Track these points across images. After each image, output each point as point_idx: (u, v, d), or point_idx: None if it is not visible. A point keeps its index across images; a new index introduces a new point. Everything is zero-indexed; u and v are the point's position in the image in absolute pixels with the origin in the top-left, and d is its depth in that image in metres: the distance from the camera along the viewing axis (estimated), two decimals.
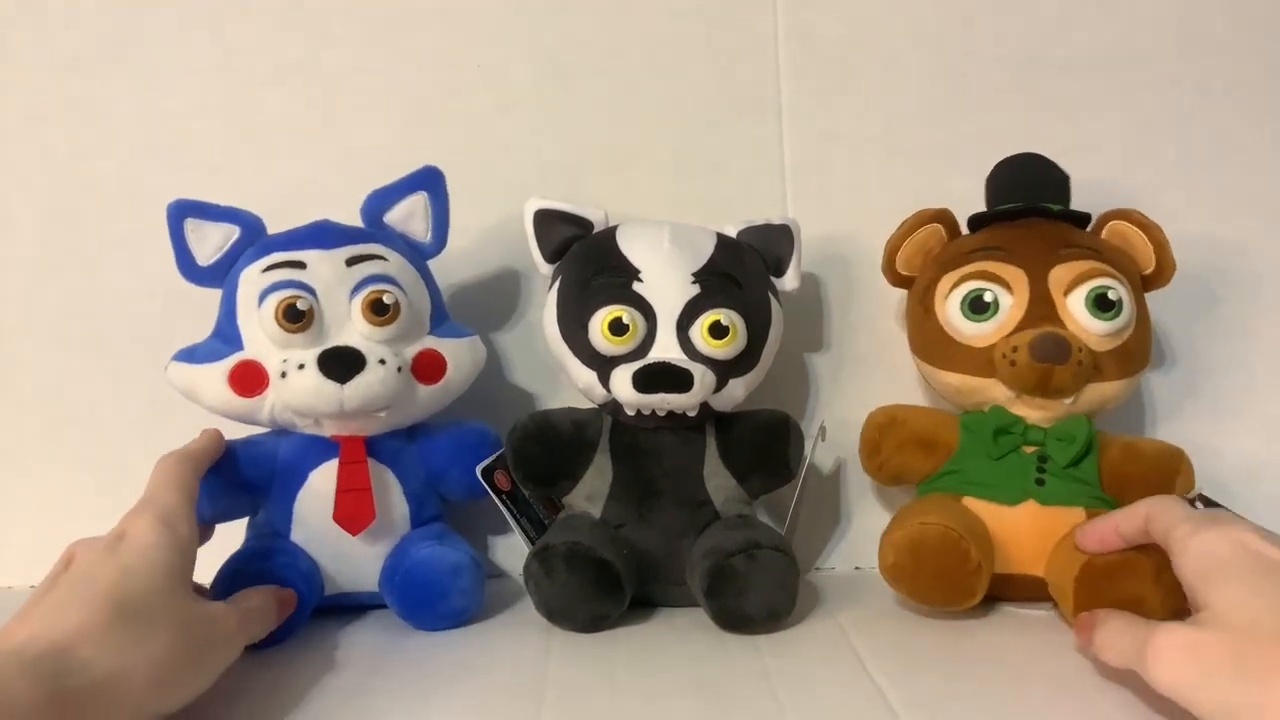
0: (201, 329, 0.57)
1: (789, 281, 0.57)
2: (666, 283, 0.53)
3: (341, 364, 0.52)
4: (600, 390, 0.53)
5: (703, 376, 0.51)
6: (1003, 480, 0.55)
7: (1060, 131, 0.67)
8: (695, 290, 0.53)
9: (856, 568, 0.66)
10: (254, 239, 0.56)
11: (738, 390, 0.54)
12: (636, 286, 0.53)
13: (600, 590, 0.51)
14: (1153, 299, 0.58)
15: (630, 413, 0.54)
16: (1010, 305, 0.54)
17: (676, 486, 0.55)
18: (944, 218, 0.59)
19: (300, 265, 0.54)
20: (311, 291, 0.53)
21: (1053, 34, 0.68)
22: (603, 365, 0.53)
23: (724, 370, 0.53)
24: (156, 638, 0.37)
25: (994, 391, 0.55)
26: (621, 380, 0.51)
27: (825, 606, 0.56)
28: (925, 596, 0.52)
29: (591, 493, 0.55)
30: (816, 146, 0.68)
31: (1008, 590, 0.54)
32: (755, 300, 0.55)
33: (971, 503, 0.55)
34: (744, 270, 0.55)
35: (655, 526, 0.54)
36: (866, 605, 0.55)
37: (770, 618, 0.50)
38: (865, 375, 0.66)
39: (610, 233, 0.56)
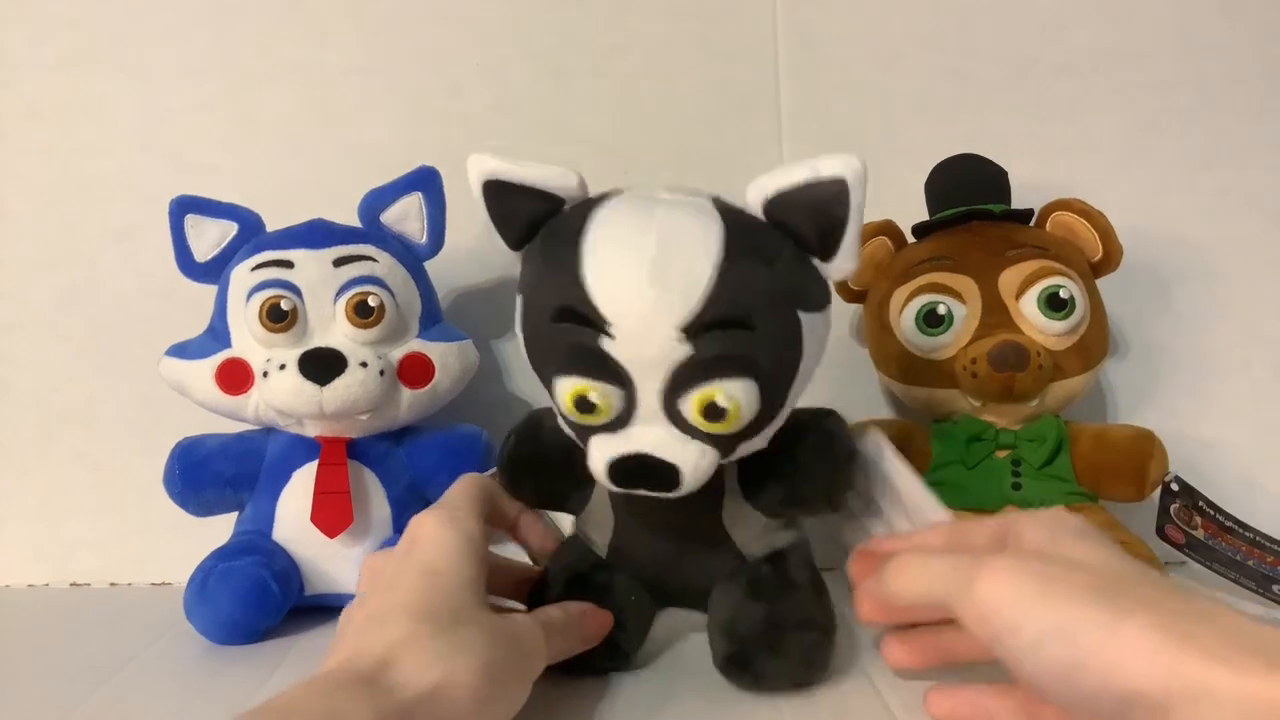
0: (199, 327, 0.57)
1: (841, 265, 0.39)
2: (644, 342, 0.37)
3: (321, 365, 0.52)
4: (581, 445, 0.42)
5: (697, 463, 0.39)
6: (980, 488, 0.55)
7: (1060, 131, 0.67)
8: (684, 351, 0.37)
9: None
10: (251, 236, 0.57)
11: (757, 444, 0.41)
12: (606, 345, 0.37)
13: (604, 655, 0.44)
14: (1156, 300, 0.58)
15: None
16: (964, 315, 0.54)
17: (690, 525, 0.45)
18: (889, 229, 0.59)
19: (288, 265, 0.54)
20: (297, 291, 0.53)
21: (1052, 34, 0.68)
22: (578, 429, 0.41)
23: (731, 441, 0.40)
24: (473, 644, 0.35)
25: (960, 402, 0.55)
26: (596, 458, 0.40)
27: None
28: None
29: (598, 521, 0.47)
30: (815, 146, 0.68)
31: None
32: (772, 341, 0.38)
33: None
34: (756, 296, 0.38)
35: (669, 560, 0.46)
36: None
37: (797, 690, 0.43)
38: (867, 376, 0.66)
39: (577, 236, 0.38)
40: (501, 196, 0.41)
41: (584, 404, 0.39)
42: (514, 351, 0.67)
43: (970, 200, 0.57)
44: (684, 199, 0.39)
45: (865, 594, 0.39)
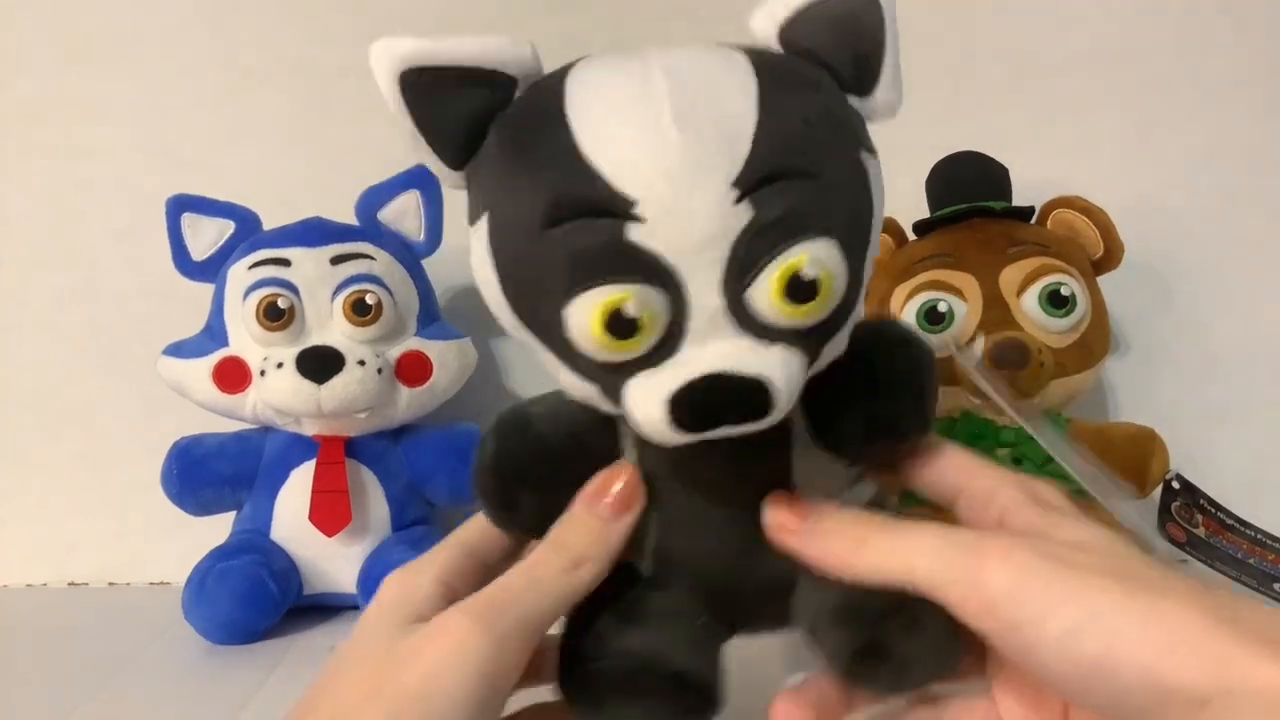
0: (198, 327, 0.57)
1: (883, 95, 0.29)
2: (690, 214, 0.26)
3: (319, 364, 0.52)
4: (611, 406, 0.30)
5: (787, 373, 0.27)
6: None
7: (1061, 129, 0.67)
8: (745, 214, 0.26)
9: None
10: (248, 234, 0.57)
11: (839, 346, 0.30)
12: (635, 234, 0.26)
13: (677, 704, 0.31)
14: (1157, 298, 0.58)
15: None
16: (965, 313, 0.54)
17: (756, 490, 0.32)
18: (889, 227, 0.59)
19: (285, 263, 0.54)
20: (294, 290, 0.53)
21: (1054, 32, 0.67)
22: (605, 376, 0.29)
23: (817, 337, 0.29)
24: None
25: (961, 399, 0.55)
26: (648, 406, 0.27)
27: None
28: None
29: None
30: None
31: None
32: (844, 189, 0.28)
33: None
34: (815, 130, 0.28)
35: (737, 548, 0.32)
36: None
37: (930, 683, 0.32)
38: None
39: (556, 106, 0.28)
40: (429, 93, 0.28)
41: (621, 323, 0.26)
42: (513, 349, 0.67)
43: (971, 198, 0.57)
44: (680, 45, 0.29)
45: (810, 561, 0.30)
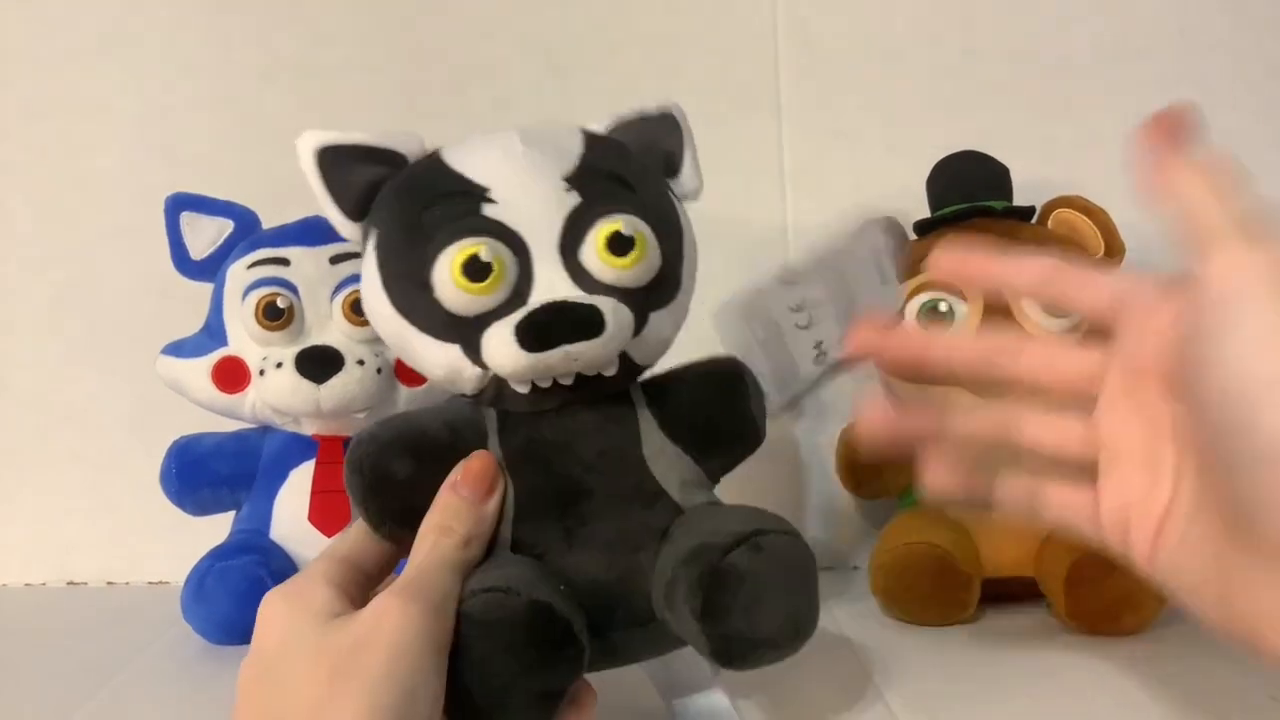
0: (197, 326, 0.57)
1: (687, 180, 0.40)
2: (531, 195, 0.36)
3: (318, 364, 0.52)
4: (471, 369, 0.35)
5: (615, 312, 0.34)
6: None
7: (1060, 131, 0.67)
8: (574, 199, 0.36)
9: (854, 567, 0.66)
10: (247, 233, 0.57)
11: (664, 328, 0.38)
12: (489, 210, 0.35)
13: (546, 652, 0.31)
14: None
15: (521, 389, 0.35)
16: (966, 312, 0.54)
17: (611, 479, 0.37)
18: (890, 226, 0.59)
19: (284, 262, 0.54)
20: (293, 289, 0.53)
21: (1053, 32, 0.68)
22: (466, 331, 0.35)
23: (640, 300, 0.36)
24: None
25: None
26: (501, 341, 0.34)
27: (823, 605, 0.56)
28: (919, 616, 0.52)
29: None
30: (816, 144, 0.68)
31: (1001, 594, 0.54)
32: (655, 202, 0.38)
33: (953, 510, 0.55)
34: (630, 166, 0.38)
35: (591, 544, 0.35)
36: (865, 604, 0.55)
37: (795, 636, 0.33)
38: (868, 374, 0.66)
39: (434, 155, 0.38)
40: (337, 163, 0.37)
41: (475, 266, 0.34)
42: None
43: (972, 197, 0.57)
44: None
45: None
